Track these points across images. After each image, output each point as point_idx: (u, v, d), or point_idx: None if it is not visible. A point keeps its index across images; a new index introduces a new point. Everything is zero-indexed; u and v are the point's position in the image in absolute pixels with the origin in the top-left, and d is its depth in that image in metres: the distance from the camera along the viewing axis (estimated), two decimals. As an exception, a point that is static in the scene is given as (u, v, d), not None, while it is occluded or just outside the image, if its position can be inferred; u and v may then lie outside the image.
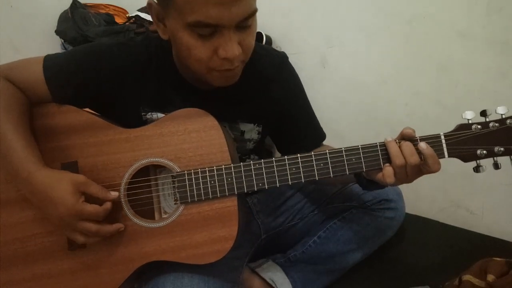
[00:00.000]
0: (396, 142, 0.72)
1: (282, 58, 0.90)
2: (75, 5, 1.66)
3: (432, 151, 0.70)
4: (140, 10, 1.70)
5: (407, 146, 0.70)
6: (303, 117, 0.93)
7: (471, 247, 1.16)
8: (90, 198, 0.71)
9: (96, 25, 1.63)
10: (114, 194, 0.74)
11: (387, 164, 0.72)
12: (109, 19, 1.69)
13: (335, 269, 1.04)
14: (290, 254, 1.05)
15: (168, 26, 0.70)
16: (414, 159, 0.70)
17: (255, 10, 0.66)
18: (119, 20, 1.72)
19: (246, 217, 0.98)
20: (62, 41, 1.68)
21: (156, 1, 0.69)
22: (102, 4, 1.79)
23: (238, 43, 0.67)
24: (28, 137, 0.72)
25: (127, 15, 1.75)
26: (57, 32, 1.66)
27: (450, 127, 1.35)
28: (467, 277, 0.92)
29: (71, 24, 1.61)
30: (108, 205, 0.72)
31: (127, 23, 1.65)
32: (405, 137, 0.72)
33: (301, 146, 0.92)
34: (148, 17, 1.64)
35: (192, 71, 0.74)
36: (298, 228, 1.07)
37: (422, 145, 0.70)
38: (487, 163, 0.73)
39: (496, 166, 0.73)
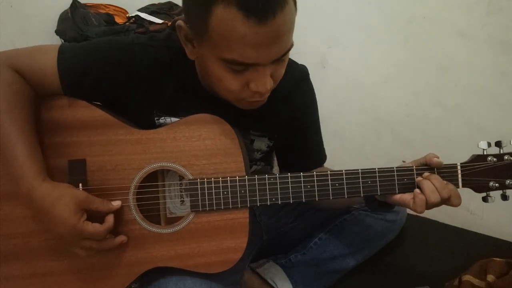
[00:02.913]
0: (414, 169, 0.73)
1: (303, 73, 0.89)
2: (75, 5, 1.66)
3: (455, 190, 0.71)
4: (140, 10, 1.70)
5: (437, 180, 0.70)
6: (311, 137, 0.92)
7: (471, 247, 1.16)
8: (93, 212, 0.70)
9: (96, 25, 1.63)
10: (116, 204, 0.72)
11: (418, 192, 0.71)
12: (109, 19, 1.69)
13: (336, 271, 1.04)
14: (291, 255, 1.05)
15: (198, 50, 0.68)
16: (445, 192, 0.69)
17: (292, 45, 0.65)
18: (119, 20, 1.72)
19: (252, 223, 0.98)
20: (62, 41, 1.67)
21: (187, 24, 0.66)
22: (102, 4, 1.78)
23: (271, 75, 0.66)
24: (32, 142, 0.70)
25: (127, 15, 1.75)
26: (57, 32, 1.66)
27: (450, 127, 1.36)
28: (467, 277, 0.92)
29: (71, 24, 1.61)
30: (109, 223, 0.70)
31: (127, 23, 1.65)
32: (431, 165, 0.72)
33: (303, 165, 0.91)
34: (148, 17, 1.64)
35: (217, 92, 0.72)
36: (300, 229, 1.06)
37: (450, 186, 0.71)
38: (495, 193, 0.75)
39: (504, 197, 0.75)
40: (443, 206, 1.38)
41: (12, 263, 0.73)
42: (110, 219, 0.71)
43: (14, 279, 0.73)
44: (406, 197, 0.73)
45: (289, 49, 0.65)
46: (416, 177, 0.73)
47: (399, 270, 1.10)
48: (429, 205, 0.70)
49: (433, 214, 1.31)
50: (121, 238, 0.72)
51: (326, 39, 1.52)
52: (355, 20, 1.45)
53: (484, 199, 0.75)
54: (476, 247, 1.16)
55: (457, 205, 0.71)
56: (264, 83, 0.64)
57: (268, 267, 1.05)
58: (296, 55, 0.91)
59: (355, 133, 1.55)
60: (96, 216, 0.70)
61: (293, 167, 0.92)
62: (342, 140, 1.54)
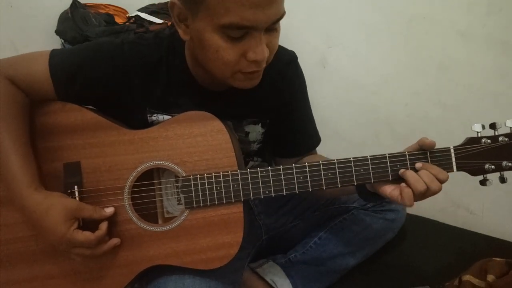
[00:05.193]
0: (407, 155, 0.72)
1: (291, 57, 0.89)
2: (75, 5, 1.66)
3: (439, 171, 0.70)
4: (140, 10, 1.70)
5: (425, 174, 0.69)
6: (302, 119, 0.92)
7: (471, 247, 1.16)
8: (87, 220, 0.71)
9: (96, 25, 1.63)
10: (109, 210, 0.73)
11: (404, 186, 0.70)
12: (109, 19, 1.69)
13: (335, 270, 1.04)
14: (291, 255, 1.06)
15: (192, 27, 0.68)
16: (435, 184, 0.69)
17: (284, 13, 0.66)
18: (119, 20, 1.72)
19: (249, 219, 0.98)
20: (62, 41, 1.67)
21: (180, 1, 0.67)
22: (102, 4, 1.78)
23: (266, 45, 0.66)
24: (26, 152, 0.71)
25: (127, 15, 1.74)
26: (57, 32, 1.66)
27: (450, 127, 1.36)
28: (467, 277, 0.92)
29: (71, 24, 1.61)
30: (102, 231, 0.70)
31: (127, 23, 1.65)
32: (423, 146, 0.72)
33: (294, 148, 0.91)
34: (148, 17, 1.64)
35: (213, 74, 0.72)
36: (299, 229, 1.07)
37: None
38: (493, 176, 0.73)
39: (503, 180, 0.73)
40: (443, 205, 1.37)
41: (12, 268, 0.74)
42: (103, 227, 0.71)
43: (14, 283, 0.74)
44: (395, 193, 0.72)
45: (283, 16, 0.66)
46: (409, 164, 0.72)
47: (399, 270, 1.10)
48: (418, 196, 0.69)
49: (433, 214, 1.31)
50: (114, 241, 0.73)
51: (326, 39, 1.52)
52: (355, 20, 1.45)
53: (482, 183, 0.74)
54: (476, 247, 1.16)
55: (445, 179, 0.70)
56: (261, 51, 0.65)
57: (268, 267, 1.05)
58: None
59: (355, 133, 1.55)
60: (91, 223, 0.71)
61: (284, 152, 0.93)
62: (342, 140, 1.54)
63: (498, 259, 0.93)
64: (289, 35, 1.56)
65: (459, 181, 1.28)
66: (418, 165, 0.71)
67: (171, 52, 0.79)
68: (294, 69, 0.90)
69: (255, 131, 0.89)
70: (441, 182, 0.70)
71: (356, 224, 1.01)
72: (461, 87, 1.31)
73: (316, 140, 0.95)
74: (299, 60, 0.91)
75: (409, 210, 1.14)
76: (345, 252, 1.02)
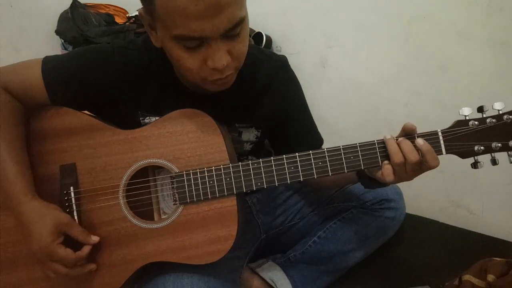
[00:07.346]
0: (395, 139, 0.72)
1: (281, 62, 0.89)
2: (75, 5, 1.66)
3: (429, 146, 0.70)
4: (140, 10, 1.70)
5: (406, 143, 0.70)
6: (301, 122, 0.93)
7: (471, 247, 1.16)
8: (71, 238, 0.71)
9: (96, 25, 1.63)
10: (94, 238, 0.73)
11: (386, 162, 0.72)
12: (109, 19, 1.69)
13: (335, 269, 1.04)
14: (290, 254, 1.06)
15: (159, 35, 0.69)
16: (413, 156, 0.69)
17: (242, 18, 0.64)
18: (119, 20, 1.72)
19: (246, 217, 0.98)
20: (62, 41, 1.68)
21: (144, 12, 0.67)
22: (102, 4, 1.79)
23: (228, 51, 0.65)
24: (22, 160, 0.72)
25: (127, 15, 1.75)
26: (57, 32, 1.66)
27: (450, 127, 1.35)
28: (467, 277, 0.92)
29: (71, 24, 1.61)
30: (83, 253, 0.70)
31: (127, 23, 1.65)
32: (406, 131, 0.72)
33: (298, 151, 0.92)
34: (148, 17, 1.64)
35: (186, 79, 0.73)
36: (298, 228, 1.07)
37: (420, 141, 0.70)
38: (484, 159, 0.73)
39: (494, 162, 0.73)
40: (443, 205, 1.37)
41: (11, 271, 0.74)
42: (85, 250, 0.71)
43: (14, 286, 0.74)
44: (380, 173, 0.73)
45: (239, 23, 0.64)
46: None
47: (399, 269, 1.10)
48: (396, 167, 0.71)
49: (433, 214, 1.31)
50: (91, 266, 0.73)
51: (326, 39, 1.52)
52: (355, 20, 1.45)
53: (473, 166, 0.74)
54: (476, 247, 1.16)
55: (435, 166, 0.71)
56: (219, 59, 0.64)
57: (267, 267, 1.05)
58: (296, 55, 0.92)
59: (355, 133, 1.55)
60: (74, 242, 0.71)
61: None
62: (342, 140, 1.53)
63: (498, 259, 0.93)
64: (289, 35, 1.57)
65: (459, 181, 1.28)
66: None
67: (159, 56, 0.79)
68: (286, 74, 0.90)
69: (249, 132, 0.90)
70: (424, 154, 0.70)
71: (355, 222, 1.01)
72: (461, 87, 1.30)
73: (317, 141, 0.95)
74: (299, 60, 0.90)
75: (409, 210, 1.14)
76: (345, 251, 1.02)
